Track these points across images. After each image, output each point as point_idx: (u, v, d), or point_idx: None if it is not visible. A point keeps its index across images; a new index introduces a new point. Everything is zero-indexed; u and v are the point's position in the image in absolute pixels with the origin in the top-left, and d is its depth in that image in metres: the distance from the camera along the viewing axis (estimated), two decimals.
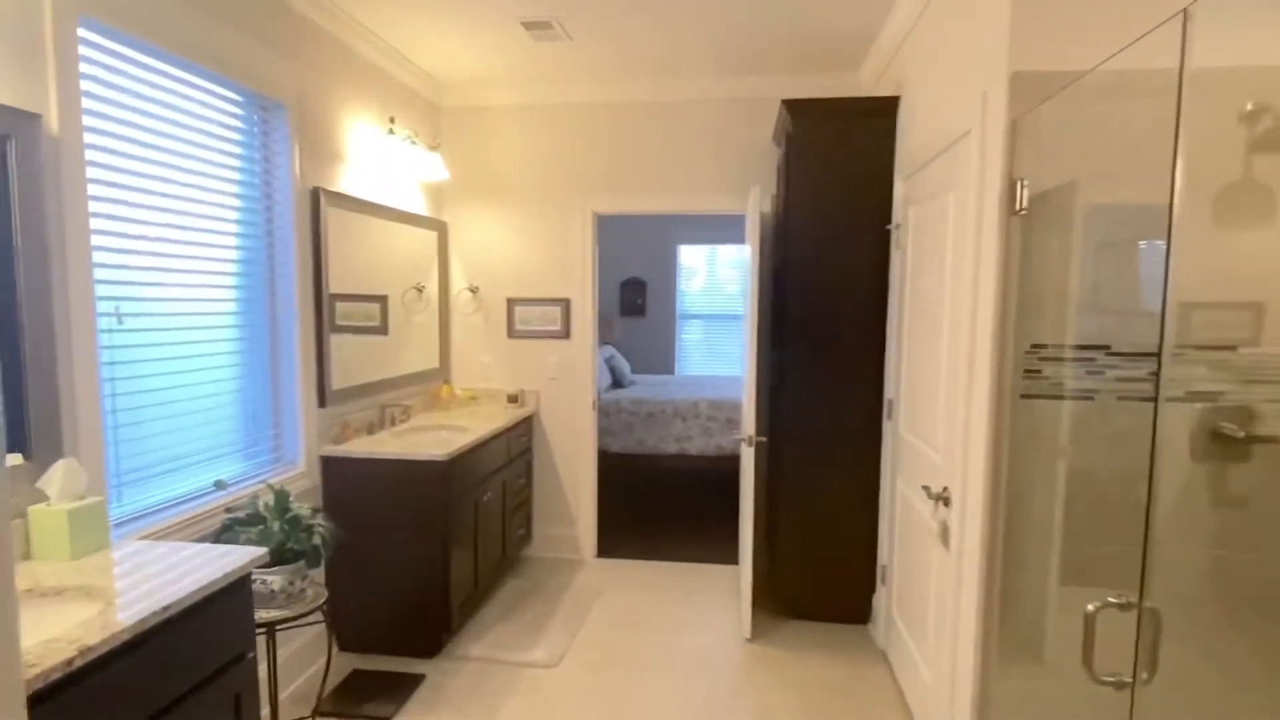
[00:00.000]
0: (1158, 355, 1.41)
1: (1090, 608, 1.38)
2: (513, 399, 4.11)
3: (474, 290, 4.18)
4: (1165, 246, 1.39)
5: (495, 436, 3.49)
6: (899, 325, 2.97)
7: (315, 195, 2.91)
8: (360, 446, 3.04)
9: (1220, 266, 1.49)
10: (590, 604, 3.58)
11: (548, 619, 3.40)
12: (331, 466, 2.99)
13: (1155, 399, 1.47)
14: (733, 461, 5.33)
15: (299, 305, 2.82)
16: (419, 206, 3.89)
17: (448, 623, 3.03)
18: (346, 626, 3.02)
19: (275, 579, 2.16)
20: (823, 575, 3.36)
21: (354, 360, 3.27)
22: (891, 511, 3.00)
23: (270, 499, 2.26)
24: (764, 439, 3.25)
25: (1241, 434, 1.43)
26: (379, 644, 3.05)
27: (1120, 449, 1.72)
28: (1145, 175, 1.55)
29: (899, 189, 3.02)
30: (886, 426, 3.12)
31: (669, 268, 7.78)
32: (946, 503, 2.23)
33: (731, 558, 4.18)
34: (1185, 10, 1.30)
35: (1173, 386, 1.47)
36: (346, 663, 3.00)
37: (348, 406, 3.18)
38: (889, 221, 3.11)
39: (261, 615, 2.13)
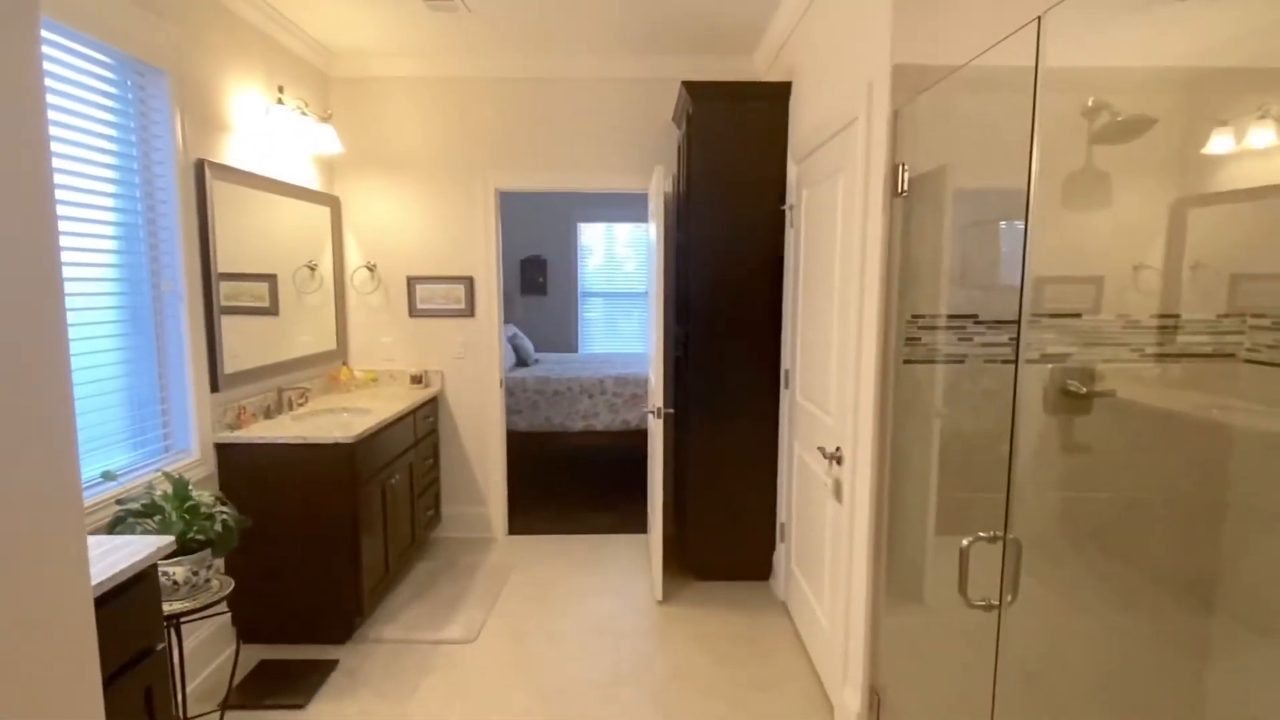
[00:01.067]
0: (1017, 323, 1.61)
1: (964, 542, 1.57)
2: (416, 380, 4.05)
3: (371, 268, 4.07)
4: (1023, 226, 1.59)
5: (401, 418, 3.44)
6: (794, 300, 3.16)
7: (200, 168, 2.75)
8: (259, 431, 2.93)
9: (1067, 244, 1.71)
10: (504, 579, 3.62)
11: (462, 596, 3.41)
12: (228, 454, 2.87)
13: (1015, 361, 1.67)
14: (639, 436, 5.47)
15: (185, 285, 2.67)
16: (310, 181, 3.73)
17: (359, 607, 2.99)
18: (252, 617, 2.92)
19: (178, 570, 2.08)
20: (727, 537, 3.55)
21: (246, 342, 3.13)
22: (790, 473, 3.21)
23: (168, 487, 2.16)
24: (671, 410, 3.38)
25: (1084, 390, 1.65)
26: (287, 633, 2.97)
27: (986, 406, 1.94)
28: (1006, 162, 1.74)
29: (792, 171, 3.19)
30: (784, 395, 3.32)
31: (569, 245, 7.79)
32: (839, 461, 2.42)
33: (641, 527, 4.32)
34: (1039, 17, 1.47)
35: (1029, 350, 1.69)
36: (253, 654, 2.91)
37: (242, 391, 3.05)
38: (784, 202, 3.29)
39: (164, 608, 2.05)
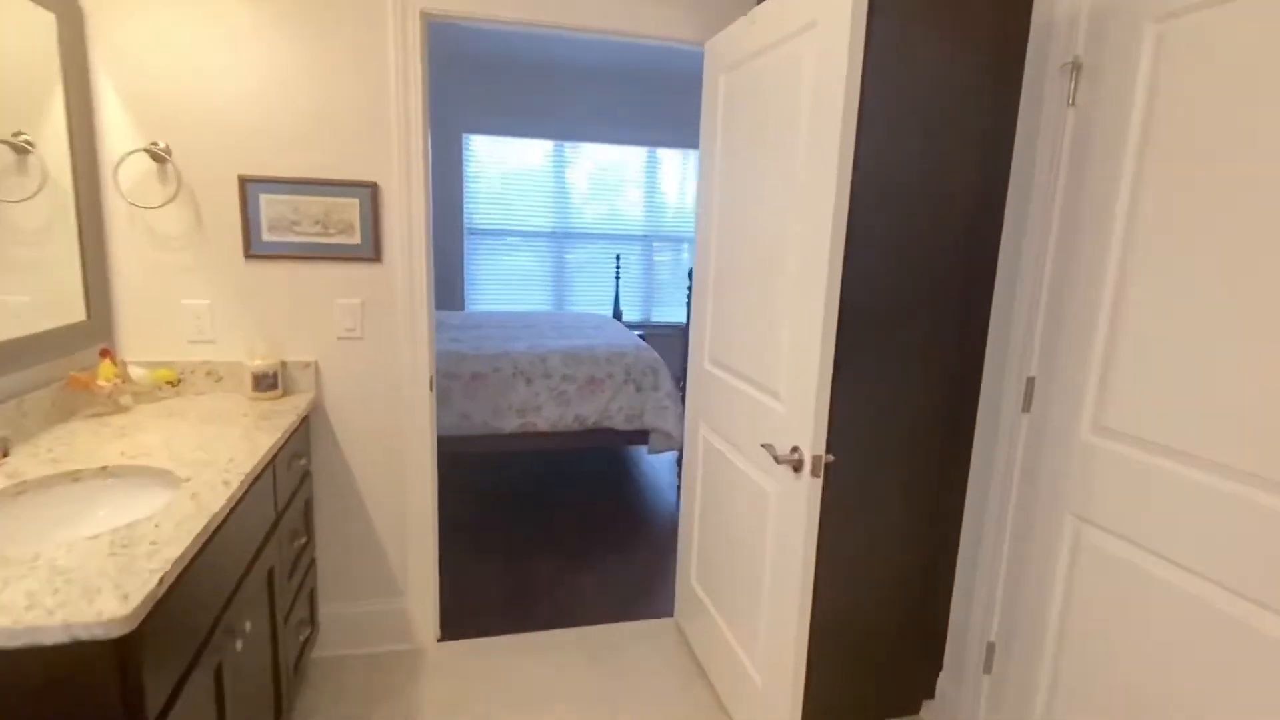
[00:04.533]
0: None
1: None
2: (265, 381, 2.09)
3: (160, 156, 2.01)
4: None
5: (250, 488, 1.55)
6: (1068, 242, 1.67)
7: None
8: None
9: None
10: None
11: None
12: None
13: None
14: (600, 436, 3.82)
15: None
16: None
17: None
18: None
19: None
20: (864, 652, 2.09)
21: None
22: (1044, 562, 1.76)
23: None
24: (831, 458, 1.81)
25: None
26: None
27: None
28: None
29: None
30: (1015, 424, 1.84)
31: (452, 166, 5.76)
32: None
33: (656, 605, 2.73)
34: None
35: None
36: None
37: None
38: (1024, 64, 1.77)
39: None
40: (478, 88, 5.62)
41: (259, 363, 2.07)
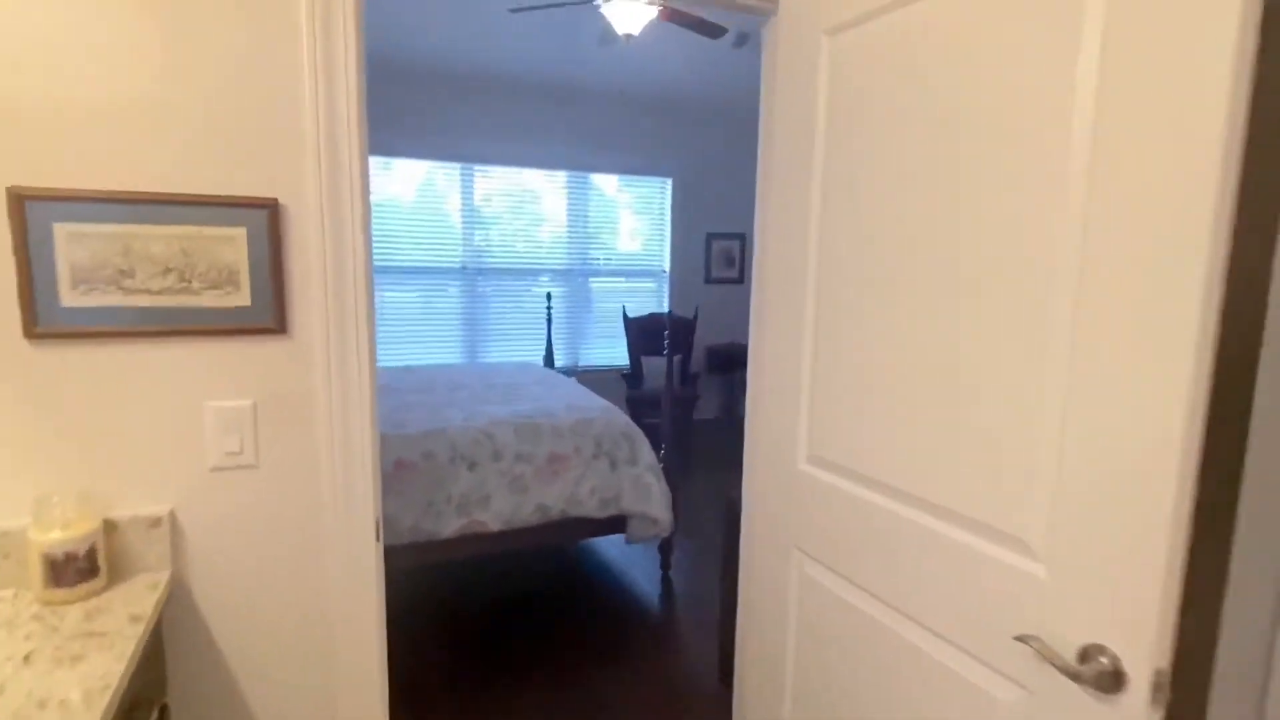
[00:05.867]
0: None
1: None
2: (70, 567, 1.13)
3: None
4: None
5: None
6: None
7: None
8: None
9: None
10: None
11: None
12: None
13: None
14: (567, 529, 2.99)
15: None
16: None
17: None
18: None
19: None
20: None
21: None
22: None
23: None
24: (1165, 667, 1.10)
25: None
26: None
27: None
28: None
29: None
30: None
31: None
32: None
33: None
34: None
35: None
36: None
37: None
38: None
39: None
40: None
41: (58, 533, 1.11)
